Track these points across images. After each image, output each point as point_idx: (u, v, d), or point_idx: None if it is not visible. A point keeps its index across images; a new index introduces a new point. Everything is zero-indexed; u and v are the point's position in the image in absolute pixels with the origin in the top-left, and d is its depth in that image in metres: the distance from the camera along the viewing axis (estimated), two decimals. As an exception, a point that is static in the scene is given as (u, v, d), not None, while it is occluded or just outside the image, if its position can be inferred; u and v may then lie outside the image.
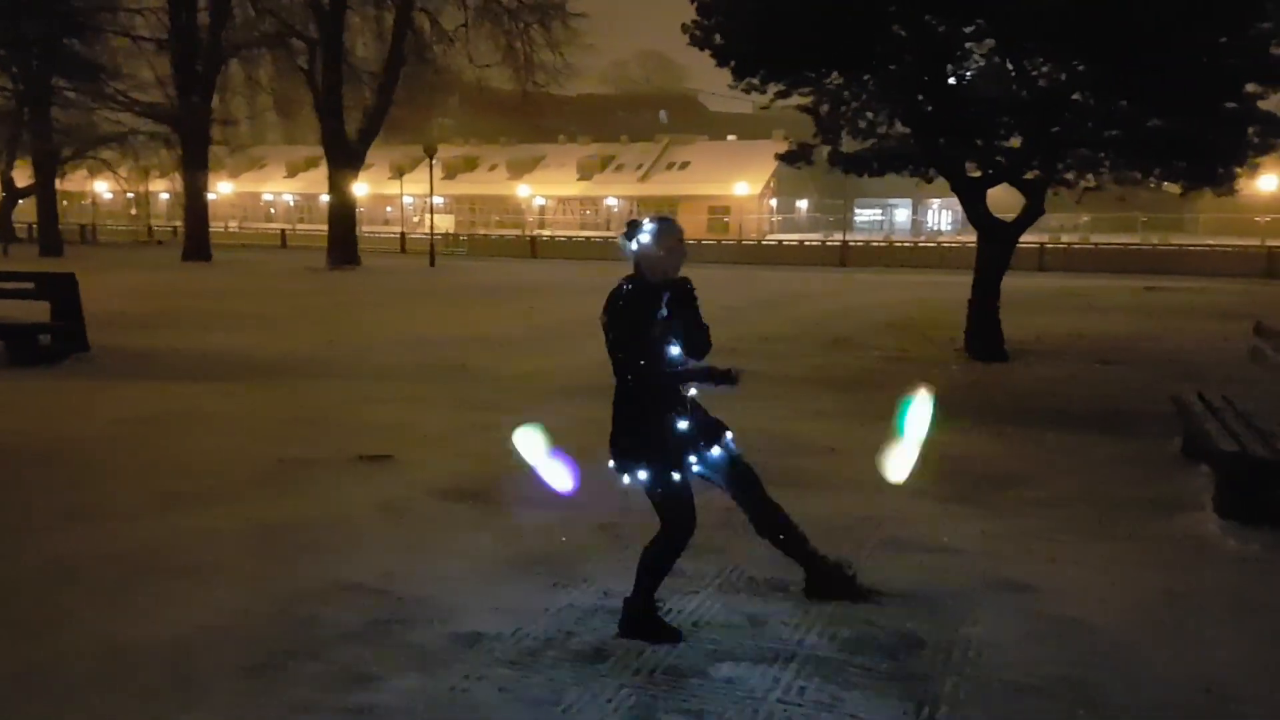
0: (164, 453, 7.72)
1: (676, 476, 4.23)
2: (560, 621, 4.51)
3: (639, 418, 4.25)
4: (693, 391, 4.30)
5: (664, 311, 4.15)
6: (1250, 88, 12.06)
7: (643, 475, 4.25)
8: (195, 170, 35.50)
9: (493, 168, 75.19)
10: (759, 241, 45.23)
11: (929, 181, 14.23)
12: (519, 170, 73.53)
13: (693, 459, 4.30)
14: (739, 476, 4.48)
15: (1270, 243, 36.54)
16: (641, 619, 4.34)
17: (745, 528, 5.76)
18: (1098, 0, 10.54)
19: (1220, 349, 12.94)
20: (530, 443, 4.36)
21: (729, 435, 4.42)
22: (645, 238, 4.20)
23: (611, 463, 4.34)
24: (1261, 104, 13.62)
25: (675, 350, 4.22)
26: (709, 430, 4.37)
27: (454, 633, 4.38)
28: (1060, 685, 3.94)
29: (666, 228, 4.23)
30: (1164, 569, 5.23)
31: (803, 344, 14.08)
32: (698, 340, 4.24)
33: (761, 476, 4.56)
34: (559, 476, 4.38)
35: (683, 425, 4.24)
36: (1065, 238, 43.10)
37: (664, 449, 4.22)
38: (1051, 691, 3.89)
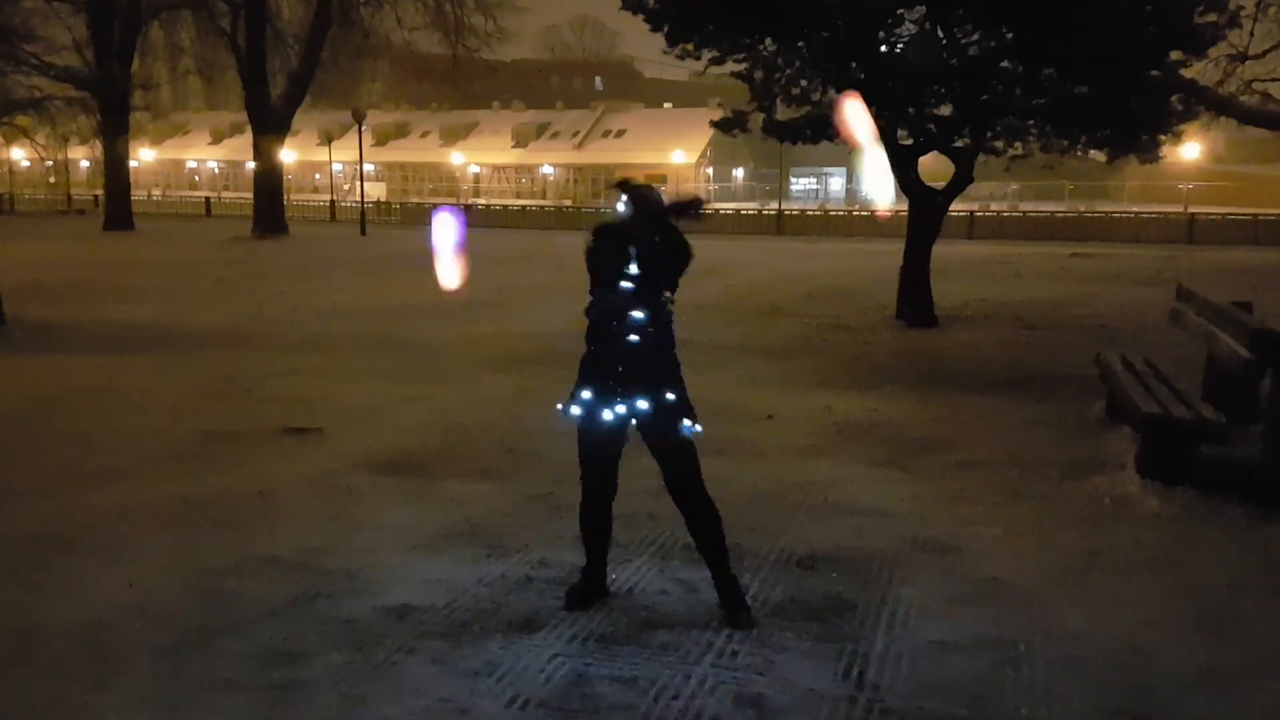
0: (82, 427, 7.50)
1: (574, 410, 4.14)
2: (492, 592, 4.46)
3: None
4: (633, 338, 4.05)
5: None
6: (1173, 56, 12.28)
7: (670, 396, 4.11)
8: (115, 137, 34.39)
9: (425, 134, 74.01)
10: (695, 210, 45.03)
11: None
12: (452, 137, 72.46)
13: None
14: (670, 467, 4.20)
15: (1193, 209, 37.45)
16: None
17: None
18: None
19: (1143, 313, 13.25)
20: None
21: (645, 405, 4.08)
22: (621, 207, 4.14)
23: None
24: (1184, 72, 13.91)
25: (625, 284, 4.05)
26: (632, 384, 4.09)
27: (383, 606, 4.31)
28: (984, 644, 4.00)
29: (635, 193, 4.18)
30: (1087, 529, 5.34)
31: (738, 312, 14.10)
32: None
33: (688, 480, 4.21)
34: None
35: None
36: (994, 205, 43.71)
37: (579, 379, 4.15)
38: (976, 650, 3.95)
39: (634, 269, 4.02)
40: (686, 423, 4.12)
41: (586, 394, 4.11)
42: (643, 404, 4.07)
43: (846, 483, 6.15)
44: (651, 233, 4.05)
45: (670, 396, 4.10)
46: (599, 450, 4.19)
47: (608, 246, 4.09)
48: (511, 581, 4.59)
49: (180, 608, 4.31)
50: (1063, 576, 4.70)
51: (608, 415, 4.09)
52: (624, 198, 4.10)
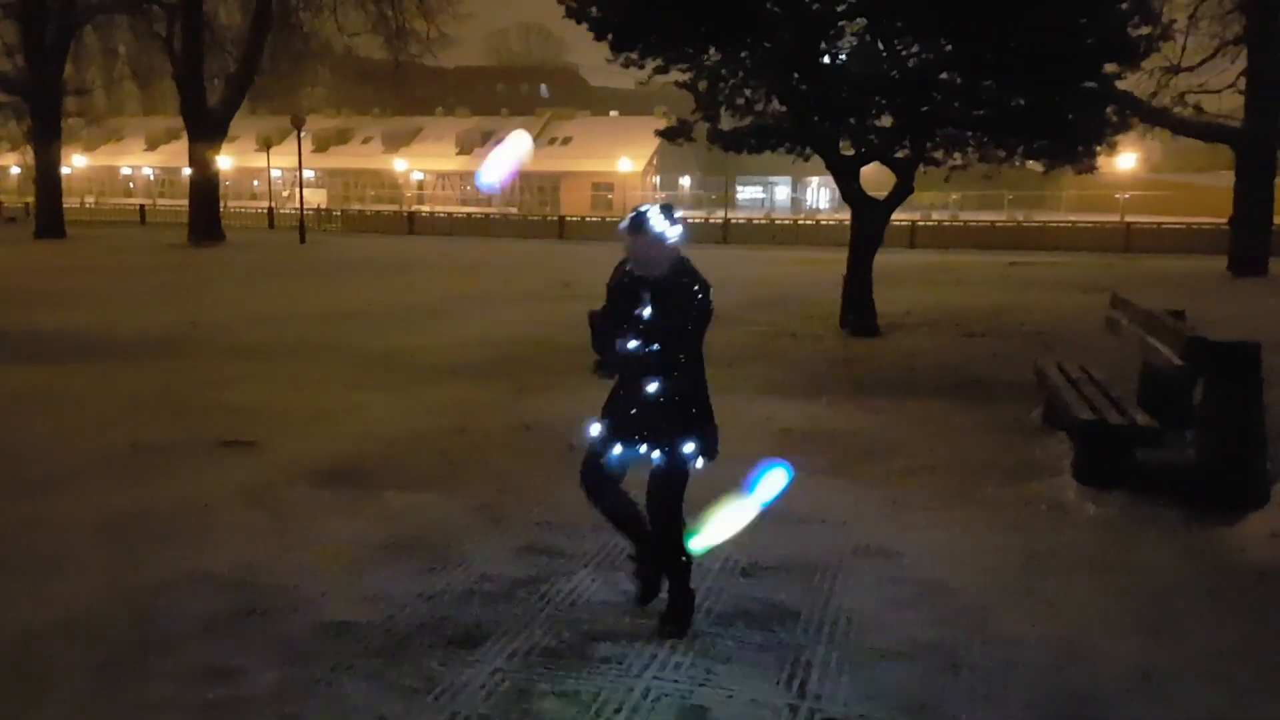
0: (11, 437, 7.29)
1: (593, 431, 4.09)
2: (433, 607, 4.40)
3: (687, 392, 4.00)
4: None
5: (645, 311, 3.88)
6: (1109, 68, 12.55)
7: (689, 447, 4.01)
8: (47, 143, 33.52)
9: (366, 140, 73.32)
10: (641, 218, 45.18)
11: (805, 159, 14.40)
12: (395, 143, 71.87)
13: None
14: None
15: (1129, 219, 38.27)
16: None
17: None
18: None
19: (1080, 320, 13.48)
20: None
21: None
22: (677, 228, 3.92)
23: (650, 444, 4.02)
24: (1119, 84, 14.20)
25: (632, 344, 3.89)
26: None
27: (321, 622, 4.22)
28: (925, 650, 4.02)
29: (629, 222, 3.93)
30: (1025, 533, 5.41)
31: (682, 319, 14.09)
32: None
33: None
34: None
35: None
36: (935, 215, 44.37)
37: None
38: (917, 656, 3.97)
39: (646, 314, 3.88)
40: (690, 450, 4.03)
41: (599, 427, 4.08)
42: (656, 455, 4.01)
43: (790, 491, 6.14)
44: (667, 277, 3.90)
45: (688, 449, 4.01)
46: (597, 470, 4.14)
47: (621, 290, 3.93)
48: (453, 596, 4.52)
49: (112, 624, 4.19)
50: (1002, 581, 4.74)
51: (617, 450, 4.05)
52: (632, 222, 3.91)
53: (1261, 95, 21.22)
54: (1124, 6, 11.85)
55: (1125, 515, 5.63)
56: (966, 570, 4.87)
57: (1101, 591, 4.64)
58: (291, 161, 46.18)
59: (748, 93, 13.56)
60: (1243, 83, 22.31)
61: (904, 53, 12.75)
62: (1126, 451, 6.02)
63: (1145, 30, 12.35)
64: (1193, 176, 54.01)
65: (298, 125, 36.14)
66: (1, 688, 3.69)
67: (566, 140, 69.00)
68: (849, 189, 13.39)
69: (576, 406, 8.46)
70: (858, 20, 12.78)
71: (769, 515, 5.62)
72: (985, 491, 6.14)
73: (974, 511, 5.79)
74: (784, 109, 13.33)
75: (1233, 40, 23.01)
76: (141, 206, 51.07)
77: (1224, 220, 23.16)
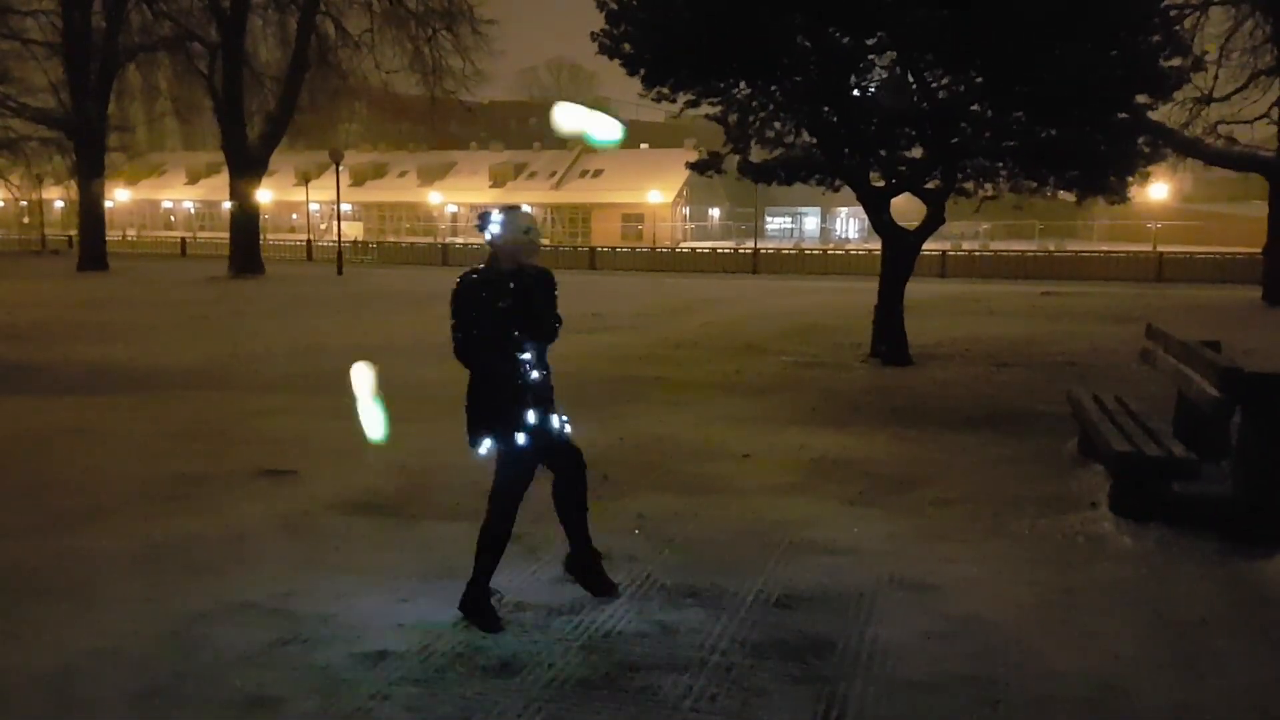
0: (51, 469, 7.41)
1: (521, 439, 4.58)
2: (469, 636, 4.44)
3: (480, 390, 4.76)
4: (535, 375, 4.66)
5: (508, 300, 4.55)
6: (1140, 99, 12.52)
7: (488, 443, 4.68)
8: (91, 177, 34.26)
9: (402, 174, 74.21)
10: (673, 249, 45.44)
11: (835, 190, 14.45)
12: (429, 177, 72.69)
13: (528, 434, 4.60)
14: (565, 460, 4.81)
15: (1161, 248, 37.98)
16: (475, 603, 4.61)
17: (657, 534, 5.80)
18: (982, 14, 10.84)
19: (1113, 350, 13.40)
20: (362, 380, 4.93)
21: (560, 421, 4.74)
22: (495, 228, 4.56)
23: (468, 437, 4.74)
24: (1151, 114, 14.17)
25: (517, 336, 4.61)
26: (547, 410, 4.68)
27: (358, 651, 4.27)
28: (961, 684, 4.01)
29: (511, 217, 4.58)
30: (1061, 566, 5.37)
31: (714, 350, 14.16)
32: (543, 326, 4.64)
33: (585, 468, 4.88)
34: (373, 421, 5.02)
35: (522, 400, 4.62)
36: (966, 245, 44.26)
37: (504, 417, 4.63)
38: (953, 690, 3.96)
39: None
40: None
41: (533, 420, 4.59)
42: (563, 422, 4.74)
43: (823, 521, 6.16)
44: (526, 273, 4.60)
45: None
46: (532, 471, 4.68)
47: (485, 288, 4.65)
48: (488, 624, 4.56)
49: (152, 654, 4.25)
50: (1039, 614, 4.72)
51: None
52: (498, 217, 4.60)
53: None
54: (1155, 39, 11.83)
55: (1162, 548, 5.58)
56: (1002, 603, 4.84)
57: (1139, 625, 4.60)
58: (329, 195, 46.83)
59: (778, 125, 13.66)
60: (1275, 113, 22.19)
61: (933, 85, 12.80)
62: (1164, 484, 5.97)
63: (1176, 62, 12.32)
64: (1225, 206, 53.56)
65: (336, 159, 36.68)
66: (42, 716, 3.76)
67: (598, 172, 69.49)
68: (880, 220, 13.41)
69: (608, 438, 8.51)
70: (887, 53, 12.85)
71: (804, 545, 5.66)
72: (1020, 523, 6.10)
73: (1009, 543, 5.75)
74: (814, 141, 13.41)
75: (1264, 71, 22.91)
76: (183, 239, 51.91)
77: (1258, 250, 22.95)
